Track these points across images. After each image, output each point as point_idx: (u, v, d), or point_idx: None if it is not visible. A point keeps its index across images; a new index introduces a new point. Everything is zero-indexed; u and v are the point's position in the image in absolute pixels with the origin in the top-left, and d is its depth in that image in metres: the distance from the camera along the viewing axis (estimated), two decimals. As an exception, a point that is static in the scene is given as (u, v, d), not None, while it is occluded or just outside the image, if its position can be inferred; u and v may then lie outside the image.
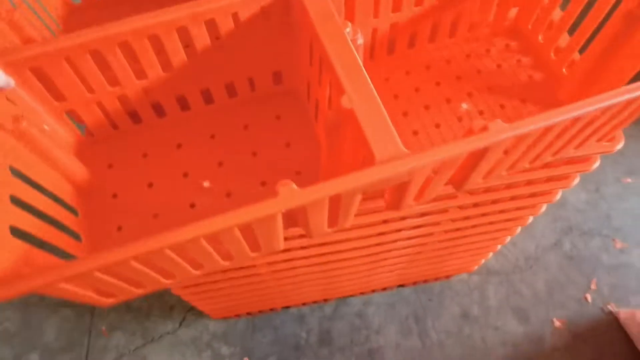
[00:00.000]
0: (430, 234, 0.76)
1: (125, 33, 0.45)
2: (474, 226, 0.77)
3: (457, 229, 0.76)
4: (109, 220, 0.51)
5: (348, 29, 0.43)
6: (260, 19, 0.49)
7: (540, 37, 0.60)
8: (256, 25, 0.49)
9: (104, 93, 0.51)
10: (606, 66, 0.52)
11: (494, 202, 0.69)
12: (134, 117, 0.56)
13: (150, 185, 0.53)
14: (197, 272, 0.43)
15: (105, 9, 0.71)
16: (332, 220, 0.43)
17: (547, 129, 0.39)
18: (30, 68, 0.45)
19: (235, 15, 0.48)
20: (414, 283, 1.14)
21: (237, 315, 1.13)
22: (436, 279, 1.13)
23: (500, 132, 0.36)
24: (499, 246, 0.95)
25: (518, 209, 0.73)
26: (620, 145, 0.55)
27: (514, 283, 1.14)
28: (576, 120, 0.40)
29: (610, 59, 0.51)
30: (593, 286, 1.12)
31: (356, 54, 0.41)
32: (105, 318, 1.15)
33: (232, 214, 0.33)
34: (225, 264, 0.43)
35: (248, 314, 1.13)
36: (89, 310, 1.16)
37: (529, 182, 0.65)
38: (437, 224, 0.72)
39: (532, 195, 0.70)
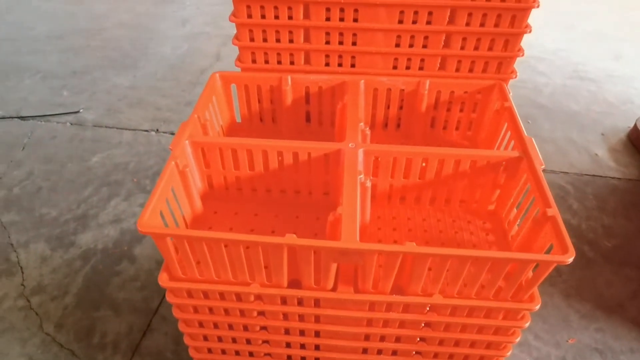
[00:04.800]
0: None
1: (249, 145, 0.86)
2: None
3: None
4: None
5: (361, 175, 0.78)
6: (322, 160, 0.86)
7: (506, 224, 0.87)
8: (319, 161, 0.87)
9: (229, 172, 0.91)
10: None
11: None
12: (239, 190, 0.95)
13: (230, 229, 0.90)
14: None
15: (252, 130, 1.16)
16: (317, 279, 0.72)
17: (443, 259, 0.66)
18: (201, 148, 0.87)
19: (309, 155, 0.86)
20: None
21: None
22: None
23: (409, 248, 0.65)
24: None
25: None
26: (538, 306, 0.74)
27: None
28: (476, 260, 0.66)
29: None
30: None
31: (357, 186, 0.74)
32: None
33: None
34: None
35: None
36: None
37: (479, 330, 0.82)
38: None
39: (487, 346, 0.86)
